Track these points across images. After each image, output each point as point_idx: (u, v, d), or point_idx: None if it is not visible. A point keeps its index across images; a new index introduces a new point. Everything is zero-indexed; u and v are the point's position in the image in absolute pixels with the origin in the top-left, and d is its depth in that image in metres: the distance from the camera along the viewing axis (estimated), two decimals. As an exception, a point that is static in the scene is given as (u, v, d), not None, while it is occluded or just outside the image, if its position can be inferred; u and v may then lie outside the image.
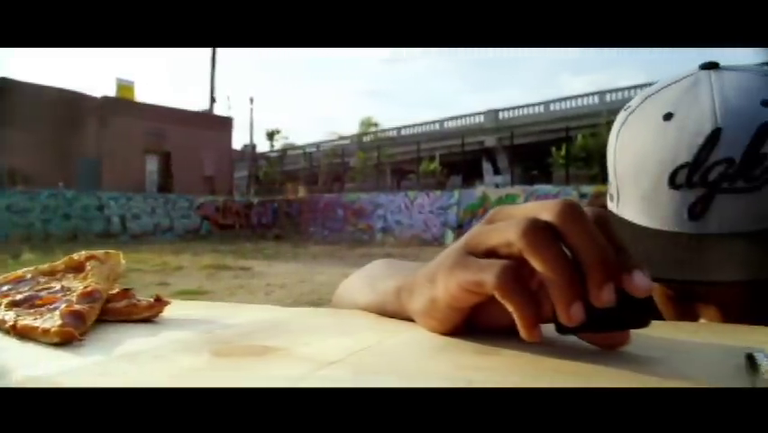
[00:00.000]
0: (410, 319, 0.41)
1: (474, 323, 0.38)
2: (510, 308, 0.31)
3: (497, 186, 17.31)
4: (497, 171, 22.70)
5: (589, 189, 12.50)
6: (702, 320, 0.54)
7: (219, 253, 11.69)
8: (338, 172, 22.25)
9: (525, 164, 21.66)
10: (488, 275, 0.32)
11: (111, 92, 21.69)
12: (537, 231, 0.31)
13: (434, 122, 27.44)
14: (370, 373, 0.30)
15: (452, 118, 27.22)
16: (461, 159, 19.62)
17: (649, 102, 0.54)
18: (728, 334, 0.40)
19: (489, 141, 23.91)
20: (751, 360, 0.30)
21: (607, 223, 0.32)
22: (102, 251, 0.48)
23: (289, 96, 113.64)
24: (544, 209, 0.32)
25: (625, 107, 0.58)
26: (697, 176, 0.48)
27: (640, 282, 0.30)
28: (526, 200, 10.40)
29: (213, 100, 26.43)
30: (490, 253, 0.33)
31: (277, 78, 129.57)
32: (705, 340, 0.38)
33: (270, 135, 33.73)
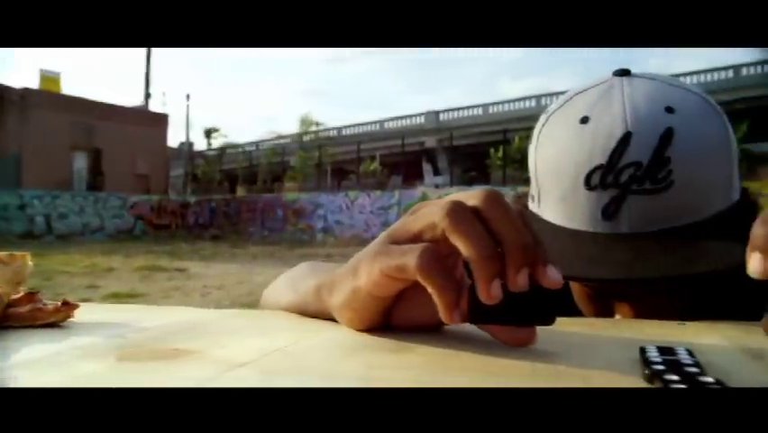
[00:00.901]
0: (332, 319, 0.41)
1: (394, 318, 0.39)
2: (431, 289, 0.32)
3: (437, 186, 17.55)
4: (437, 172, 23.02)
5: (526, 190, 12.83)
6: (617, 316, 0.56)
7: (153, 253, 11.27)
8: (278, 172, 21.95)
9: (465, 165, 22.10)
10: (409, 258, 0.32)
11: (34, 84, 20.50)
12: (460, 211, 0.32)
13: (374, 122, 27.52)
14: (279, 373, 0.29)
15: (392, 119, 27.39)
16: (401, 159, 19.76)
17: (567, 106, 0.56)
18: (636, 328, 0.42)
19: (430, 142, 24.22)
20: (643, 353, 0.32)
21: (525, 216, 0.33)
22: (6, 252, 0.45)
23: (229, 95, 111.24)
24: (469, 196, 0.34)
25: (545, 111, 0.60)
26: (610, 178, 0.50)
27: (553, 275, 0.31)
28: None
29: (147, 96, 25.46)
30: (414, 240, 0.34)
31: (215, 75, 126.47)
32: (613, 335, 0.40)
33: (208, 133, 32.85)
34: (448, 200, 0.33)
